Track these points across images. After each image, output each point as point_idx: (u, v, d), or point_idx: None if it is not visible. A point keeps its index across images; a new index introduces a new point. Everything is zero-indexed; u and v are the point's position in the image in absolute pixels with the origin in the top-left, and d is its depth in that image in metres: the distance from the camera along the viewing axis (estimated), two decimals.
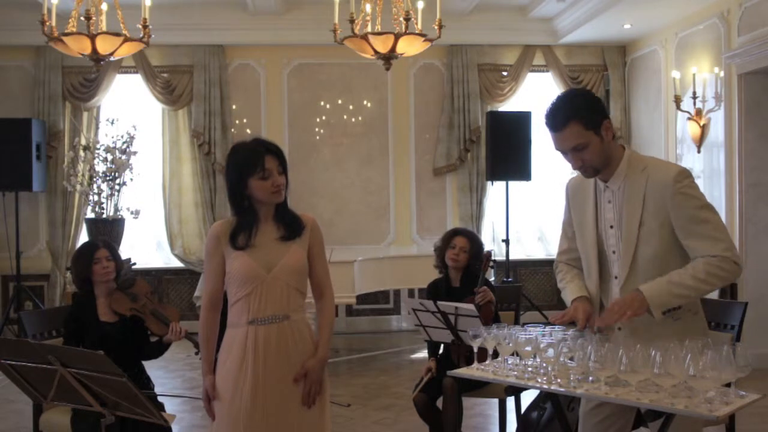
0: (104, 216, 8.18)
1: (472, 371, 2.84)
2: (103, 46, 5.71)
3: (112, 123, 8.41)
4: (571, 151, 2.78)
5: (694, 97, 7.42)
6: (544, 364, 2.65)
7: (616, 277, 2.88)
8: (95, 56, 5.75)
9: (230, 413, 2.86)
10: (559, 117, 2.77)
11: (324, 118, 9.09)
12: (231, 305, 2.96)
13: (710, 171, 7.47)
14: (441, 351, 4.51)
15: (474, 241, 4.56)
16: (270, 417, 2.86)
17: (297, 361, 2.92)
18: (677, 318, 2.77)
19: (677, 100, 7.61)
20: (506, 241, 8.68)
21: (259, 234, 2.94)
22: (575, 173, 3.04)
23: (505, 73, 9.16)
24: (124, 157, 8.23)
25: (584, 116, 2.75)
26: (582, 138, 2.75)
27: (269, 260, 2.90)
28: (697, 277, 2.68)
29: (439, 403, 4.29)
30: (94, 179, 8.26)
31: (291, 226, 2.97)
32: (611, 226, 2.88)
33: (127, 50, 5.95)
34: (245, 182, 2.89)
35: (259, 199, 2.92)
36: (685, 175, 2.76)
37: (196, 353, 4.18)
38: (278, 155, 2.93)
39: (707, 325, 3.00)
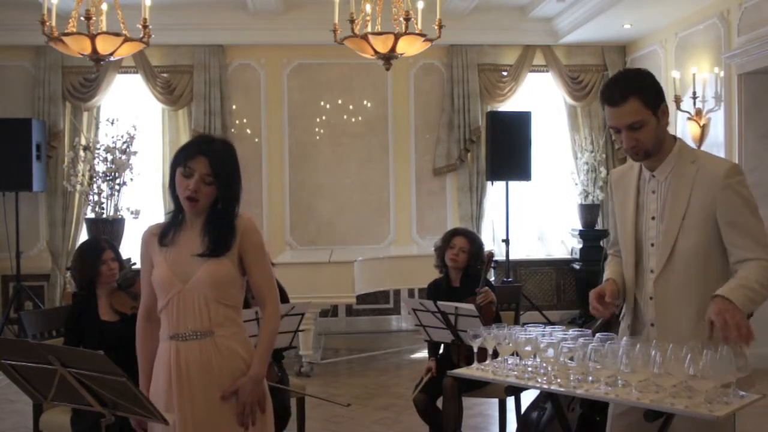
0: (104, 216, 8.18)
1: (472, 371, 2.84)
2: (103, 46, 5.70)
3: (112, 123, 8.39)
4: (627, 128, 2.66)
5: (694, 97, 7.42)
6: (544, 364, 2.65)
7: (651, 271, 2.76)
8: (95, 56, 5.75)
9: None
10: (619, 91, 2.66)
11: (324, 118, 9.08)
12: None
13: None
14: (441, 351, 4.51)
15: (474, 242, 4.56)
16: None
17: (227, 379, 2.63)
18: None
19: (677, 100, 7.60)
20: (506, 241, 8.68)
21: (182, 239, 2.66)
22: (623, 163, 2.94)
23: (505, 73, 9.15)
24: (124, 157, 8.22)
25: (645, 94, 2.65)
26: (640, 115, 2.64)
27: (186, 270, 2.62)
28: (763, 283, 2.53)
29: (439, 403, 4.30)
30: (94, 179, 8.25)
31: (215, 243, 2.62)
32: (653, 218, 2.77)
33: (127, 50, 5.94)
34: (173, 172, 2.63)
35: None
36: (737, 171, 2.69)
37: None
38: (215, 162, 2.59)
39: None
